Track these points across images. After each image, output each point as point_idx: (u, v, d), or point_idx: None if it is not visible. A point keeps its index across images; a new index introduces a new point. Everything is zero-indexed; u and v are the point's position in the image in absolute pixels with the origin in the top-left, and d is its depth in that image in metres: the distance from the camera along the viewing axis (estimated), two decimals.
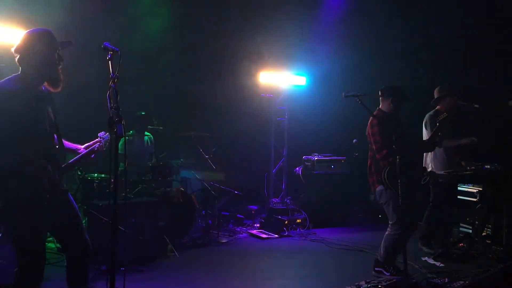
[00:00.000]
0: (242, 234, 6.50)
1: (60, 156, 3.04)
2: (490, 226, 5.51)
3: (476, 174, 5.21)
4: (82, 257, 3.06)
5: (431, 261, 5.03)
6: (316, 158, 7.22)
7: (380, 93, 4.56)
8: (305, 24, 7.73)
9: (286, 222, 6.52)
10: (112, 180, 2.67)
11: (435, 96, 5.42)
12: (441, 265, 4.89)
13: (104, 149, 3.25)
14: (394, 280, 4.05)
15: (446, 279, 4.10)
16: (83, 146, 3.29)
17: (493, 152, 5.66)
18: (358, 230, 6.77)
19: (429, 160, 5.42)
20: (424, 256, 5.16)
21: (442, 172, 5.28)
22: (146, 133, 6.30)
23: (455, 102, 5.23)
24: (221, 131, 7.15)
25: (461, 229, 6.01)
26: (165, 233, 5.29)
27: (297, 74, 7.73)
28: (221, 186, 6.70)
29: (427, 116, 5.38)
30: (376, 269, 4.45)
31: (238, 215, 7.14)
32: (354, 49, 7.81)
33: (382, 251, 4.42)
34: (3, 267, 3.98)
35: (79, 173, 5.51)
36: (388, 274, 4.32)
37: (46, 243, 3.04)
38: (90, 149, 3.23)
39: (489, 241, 5.34)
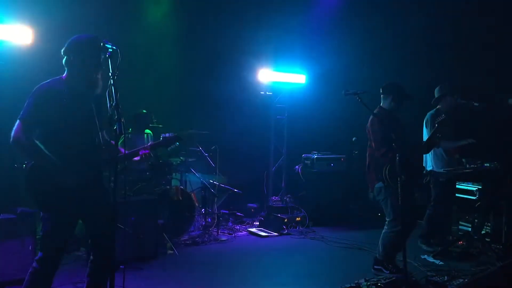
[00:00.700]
0: (241, 232, 6.50)
1: (104, 153, 3.07)
2: (489, 224, 5.53)
3: (476, 173, 5.22)
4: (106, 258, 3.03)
5: (430, 259, 5.04)
6: (315, 156, 7.22)
7: (381, 91, 4.57)
8: (305, 22, 7.71)
9: (286, 220, 6.53)
10: (112, 178, 2.67)
11: (436, 95, 5.43)
12: (441, 263, 4.91)
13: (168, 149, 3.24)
14: (394, 278, 4.05)
15: (446, 277, 4.10)
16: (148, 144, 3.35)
17: (493, 150, 5.66)
18: (357, 228, 6.76)
19: (429, 158, 5.43)
20: (424, 254, 5.18)
21: (442, 170, 5.29)
22: (146, 130, 6.30)
23: (456, 101, 5.25)
24: (220, 129, 7.13)
25: (460, 227, 6.01)
26: (165, 231, 5.29)
27: (297, 72, 7.71)
28: (221, 184, 6.69)
29: (428, 114, 5.38)
30: (375, 267, 4.46)
31: (237, 213, 7.13)
32: (354, 48, 7.79)
33: (380, 249, 4.43)
34: (4, 267, 3.96)
35: None
36: (388, 272, 4.33)
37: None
38: (135, 150, 3.25)
39: (489, 239, 5.34)
